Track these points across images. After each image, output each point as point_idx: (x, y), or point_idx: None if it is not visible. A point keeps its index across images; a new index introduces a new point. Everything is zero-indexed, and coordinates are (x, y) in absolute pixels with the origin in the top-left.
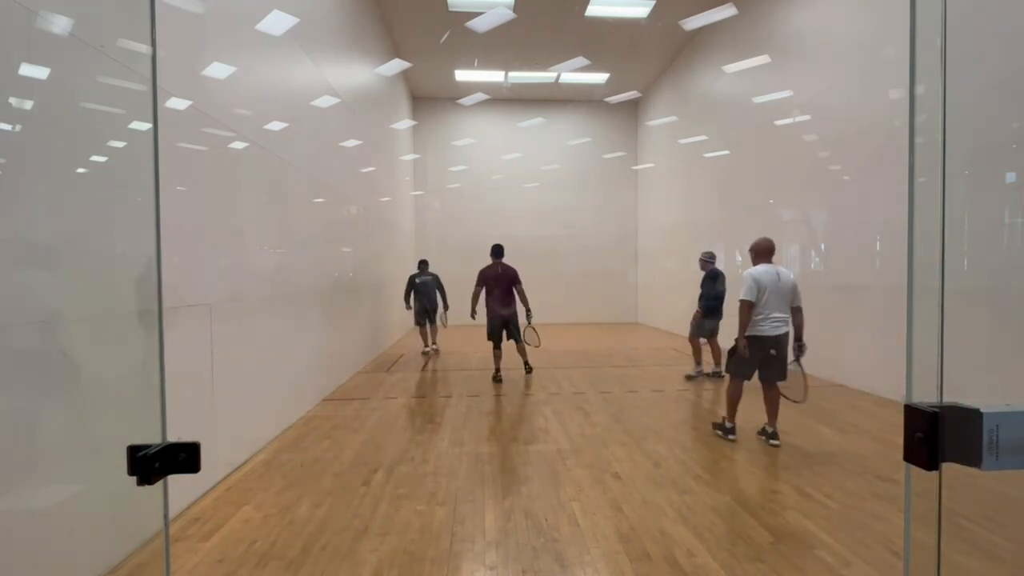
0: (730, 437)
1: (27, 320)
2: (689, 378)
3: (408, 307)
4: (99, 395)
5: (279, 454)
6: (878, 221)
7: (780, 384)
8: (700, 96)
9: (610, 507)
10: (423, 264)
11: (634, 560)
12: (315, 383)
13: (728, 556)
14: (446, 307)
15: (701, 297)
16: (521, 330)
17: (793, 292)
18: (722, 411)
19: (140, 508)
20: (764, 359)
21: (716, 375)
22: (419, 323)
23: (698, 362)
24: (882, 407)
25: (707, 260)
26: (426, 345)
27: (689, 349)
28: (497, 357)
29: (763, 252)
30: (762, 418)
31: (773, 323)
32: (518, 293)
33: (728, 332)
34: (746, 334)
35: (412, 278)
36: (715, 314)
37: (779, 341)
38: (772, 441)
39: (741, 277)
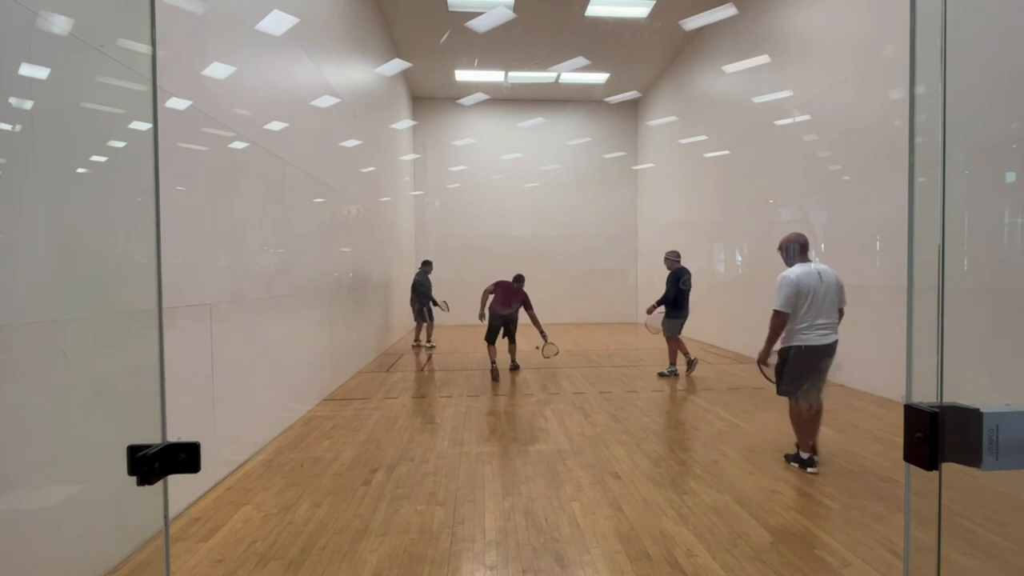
0: (809, 470)
1: (27, 320)
2: (662, 376)
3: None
4: (99, 395)
5: (279, 454)
6: (878, 221)
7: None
8: (700, 96)
9: (610, 507)
10: (424, 265)
11: (634, 560)
12: (315, 383)
13: (728, 556)
14: (421, 305)
15: (665, 296)
16: (540, 349)
17: (839, 292)
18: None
19: (140, 508)
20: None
21: (692, 366)
22: (416, 319)
23: (672, 362)
24: (882, 407)
25: (673, 259)
26: (416, 341)
27: (688, 347)
28: (491, 352)
29: (797, 249)
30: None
31: (820, 331)
32: (529, 317)
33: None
34: (792, 344)
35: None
36: (678, 312)
37: (830, 351)
38: (809, 469)
39: (742, 278)
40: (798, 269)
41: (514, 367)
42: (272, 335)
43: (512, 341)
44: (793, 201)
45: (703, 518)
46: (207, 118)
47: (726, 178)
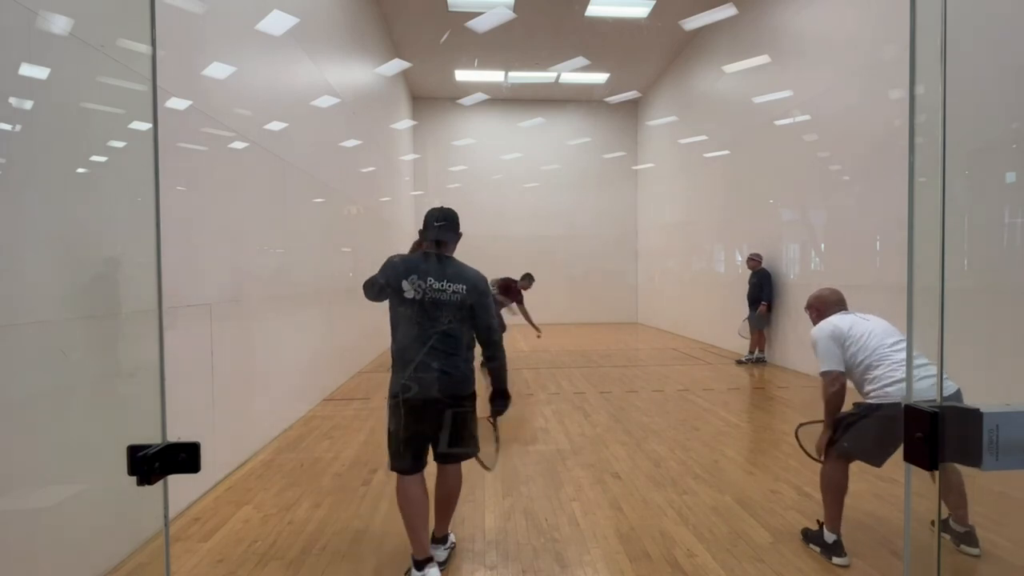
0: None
1: (27, 320)
2: (740, 363)
3: None
4: (99, 395)
5: (279, 454)
6: (878, 221)
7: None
8: (700, 96)
9: (610, 507)
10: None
11: (634, 560)
12: (315, 383)
13: (728, 556)
14: None
15: (758, 296)
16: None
17: None
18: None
19: (140, 508)
20: None
21: (760, 360)
22: None
23: (752, 351)
24: None
25: (757, 259)
26: None
27: (688, 347)
28: None
29: None
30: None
31: None
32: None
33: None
34: None
35: None
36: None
37: None
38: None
39: (743, 278)
40: None
41: None
42: (272, 335)
43: None
44: (793, 201)
45: (703, 518)
46: (207, 118)
47: (726, 178)
